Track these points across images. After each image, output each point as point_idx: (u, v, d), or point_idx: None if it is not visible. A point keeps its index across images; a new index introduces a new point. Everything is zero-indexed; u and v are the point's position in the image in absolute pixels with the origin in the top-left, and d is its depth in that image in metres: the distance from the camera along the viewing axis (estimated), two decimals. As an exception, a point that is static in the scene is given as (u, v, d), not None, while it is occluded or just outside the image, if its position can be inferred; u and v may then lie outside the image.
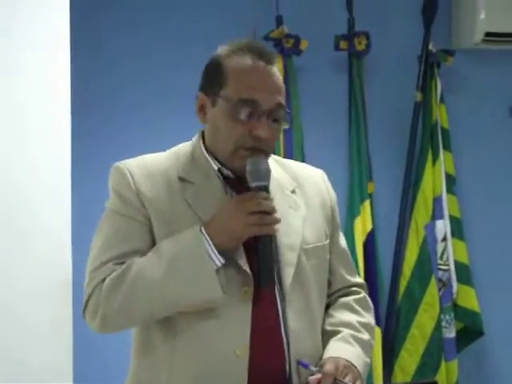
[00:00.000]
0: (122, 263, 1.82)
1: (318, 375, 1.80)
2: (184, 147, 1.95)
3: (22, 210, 2.98)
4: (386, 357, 3.56)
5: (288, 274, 1.86)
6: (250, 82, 1.82)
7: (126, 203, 1.86)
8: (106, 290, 1.81)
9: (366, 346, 1.94)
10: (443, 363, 3.57)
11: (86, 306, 1.85)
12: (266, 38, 3.46)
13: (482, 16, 3.65)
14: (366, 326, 1.98)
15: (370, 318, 2.03)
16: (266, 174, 1.82)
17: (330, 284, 2.01)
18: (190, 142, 1.96)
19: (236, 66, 1.84)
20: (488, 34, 3.67)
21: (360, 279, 2.10)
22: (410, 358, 3.57)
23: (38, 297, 2.97)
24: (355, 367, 1.86)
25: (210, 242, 1.77)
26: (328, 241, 1.98)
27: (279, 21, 3.49)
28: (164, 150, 1.98)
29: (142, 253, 1.83)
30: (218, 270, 1.78)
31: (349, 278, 2.05)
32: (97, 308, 1.82)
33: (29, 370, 2.94)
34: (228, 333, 1.81)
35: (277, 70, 1.88)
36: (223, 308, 1.81)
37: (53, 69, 3.04)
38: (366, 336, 1.96)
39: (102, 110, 3.37)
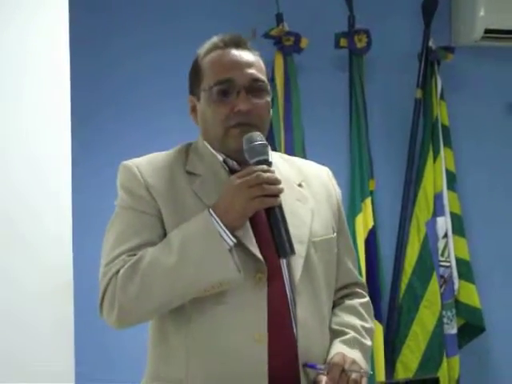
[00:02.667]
0: (135, 255, 1.82)
1: (324, 377, 1.81)
2: (187, 144, 1.99)
3: (23, 213, 2.98)
4: (387, 353, 3.57)
5: (298, 266, 1.87)
6: (221, 65, 1.90)
7: (136, 197, 1.88)
8: (121, 281, 1.80)
9: (366, 352, 1.95)
10: (445, 359, 3.58)
11: (102, 301, 1.84)
12: (266, 35, 3.46)
13: (482, 13, 3.65)
14: (368, 332, 2.00)
15: (371, 324, 2.04)
16: (263, 148, 1.83)
17: (336, 279, 2.01)
18: (193, 141, 2.00)
19: (209, 59, 1.93)
20: (488, 31, 3.68)
21: (361, 278, 2.11)
22: (411, 355, 3.58)
23: (39, 298, 2.97)
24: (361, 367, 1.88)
25: (220, 222, 1.77)
26: (335, 234, 1.99)
27: (279, 18, 3.49)
28: (166, 150, 1.99)
29: (155, 244, 1.83)
30: (230, 251, 1.78)
31: (355, 273, 2.07)
32: (113, 300, 1.81)
33: (30, 371, 2.94)
34: (244, 317, 1.81)
35: (253, 53, 1.94)
36: (237, 294, 1.81)
37: (53, 70, 3.04)
38: (368, 342, 1.97)
39: (102, 111, 3.37)
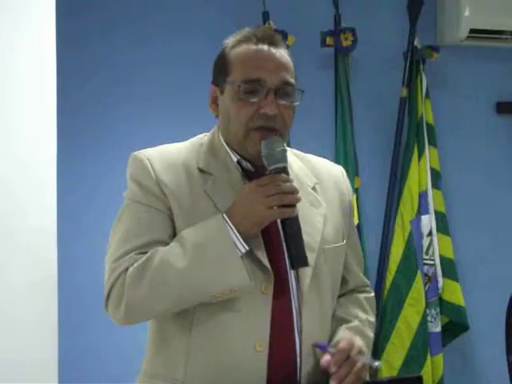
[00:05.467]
0: (145, 253, 1.79)
1: (328, 357, 1.81)
2: (202, 138, 1.95)
3: (7, 206, 2.96)
4: (372, 351, 3.56)
5: (306, 275, 1.85)
6: (253, 62, 1.84)
7: (147, 192, 1.85)
8: (129, 280, 1.77)
9: (369, 343, 1.95)
10: (429, 357, 3.59)
11: (108, 297, 1.81)
12: (253, 33, 3.46)
13: (467, 13, 3.68)
14: (371, 325, 2.00)
15: (374, 318, 2.04)
16: (282, 155, 1.80)
17: (345, 281, 2.00)
18: (209, 133, 1.96)
19: (239, 52, 1.86)
20: (472, 31, 3.70)
21: (367, 280, 2.11)
22: (395, 353, 3.58)
23: (22, 293, 2.94)
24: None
25: (234, 229, 1.75)
26: (345, 241, 1.98)
27: (266, 17, 3.50)
28: (151, 147, 1.95)
29: (164, 243, 1.81)
30: (242, 258, 1.76)
31: (363, 277, 2.07)
32: (120, 297, 1.79)
33: (12, 370, 2.91)
34: (247, 327, 1.80)
35: (285, 52, 1.89)
36: (243, 302, 1.79)
37: (38, 67, 3.02)
38: (370, 333, 1.97)
39: (87, 107, 3.36)
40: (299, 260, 1.78)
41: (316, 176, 1.98)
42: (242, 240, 1.76)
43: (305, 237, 1.80)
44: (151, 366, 1.90)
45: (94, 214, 3.26)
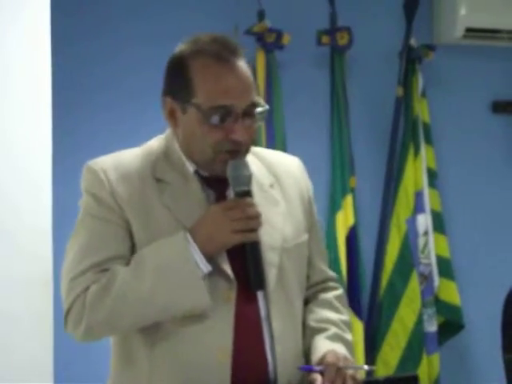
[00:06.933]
0: (104, 270, 1.78)
1: (320, 378, 1.79)
2: (155, 144, 1.91)
3: (2, 206, 2.95)
4: (367, 350, 3.57)
5: (271, 275, 1.84)
6: (219, 87, 1.78)
7: (102, 204, 1.82)
8: (90, 302, 1.77)
9: (349, 347, 1.93)
10: (425, 357, 3.59)
11: (67, 315, 1.81)
12: (248, 32, 3.45)
13: (463, 12, 3.67)
14: (347, 325, 1.98)
15: (347, 315, 2.02)
16: (248, 178, 1.81)
17: (308, 277, 1.99)
18: (161, 138, 1.92)
19: (201, 70, 1.79)
20: (469, 30, 3.70)
21: (332, 272, 2.09)
22: (391, 352, 3.59)
23: (17, 293, 2.94)
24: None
25: (198, 250, 1.76)
26: (307, 236, 1.97)
27: (261, 15, 3.49)
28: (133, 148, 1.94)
29: (123, 258, 1.80)
30: (204, 277, 1.76)
31: (326, 270, 2.05)
32: (80, 318, 1.78)
33: (7, 369, 2.90)
34: (209, 338, 1.79)
35: (243, 62, 1.82)
36: (205, 313, 1.79)
37: (33, 65, 3.01)
38: (349, 336, 1.95)
39: (83, 106, 3.36)
40: (255, 284, 1.81)
41: (273, 174, 1.95)
42: (205, 261, 1.76)
43: (266, 237, 1.82)
44: (116, 376, 1.90)
45: (89, 214, 3.25)
